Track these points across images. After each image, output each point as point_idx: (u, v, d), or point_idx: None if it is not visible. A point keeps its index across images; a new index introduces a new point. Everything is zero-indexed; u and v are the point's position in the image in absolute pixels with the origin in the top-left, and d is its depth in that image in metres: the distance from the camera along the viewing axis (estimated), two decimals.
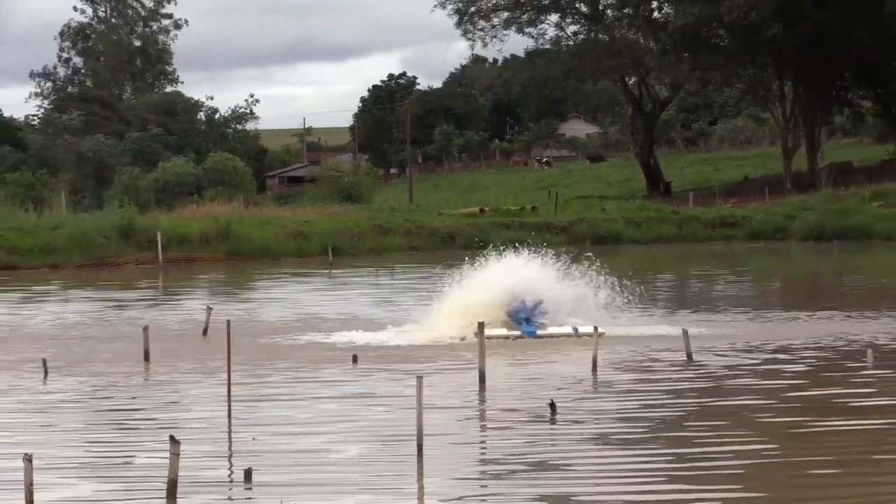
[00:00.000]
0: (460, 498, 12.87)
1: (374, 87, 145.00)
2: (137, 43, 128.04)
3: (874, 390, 18.87)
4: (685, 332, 22.62)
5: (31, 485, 10.97)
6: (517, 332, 25.60)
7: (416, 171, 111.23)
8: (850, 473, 13.64)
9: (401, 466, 14.06)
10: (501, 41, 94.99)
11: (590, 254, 28.99)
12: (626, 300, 27.87)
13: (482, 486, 13.56)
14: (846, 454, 14.57)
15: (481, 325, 20.62)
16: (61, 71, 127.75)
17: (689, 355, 21.90)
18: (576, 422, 16.75)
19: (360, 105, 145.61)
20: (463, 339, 24.57)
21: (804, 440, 15.56)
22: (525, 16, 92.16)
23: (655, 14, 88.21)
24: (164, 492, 12.37)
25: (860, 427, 16.08)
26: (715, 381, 20.04)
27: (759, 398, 18.43)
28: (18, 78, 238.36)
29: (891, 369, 20.79)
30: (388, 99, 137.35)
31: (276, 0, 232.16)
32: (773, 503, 12.62)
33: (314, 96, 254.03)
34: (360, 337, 26.05)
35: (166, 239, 53.50)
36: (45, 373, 21.42)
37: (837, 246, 58.65)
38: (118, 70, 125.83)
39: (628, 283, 28.15)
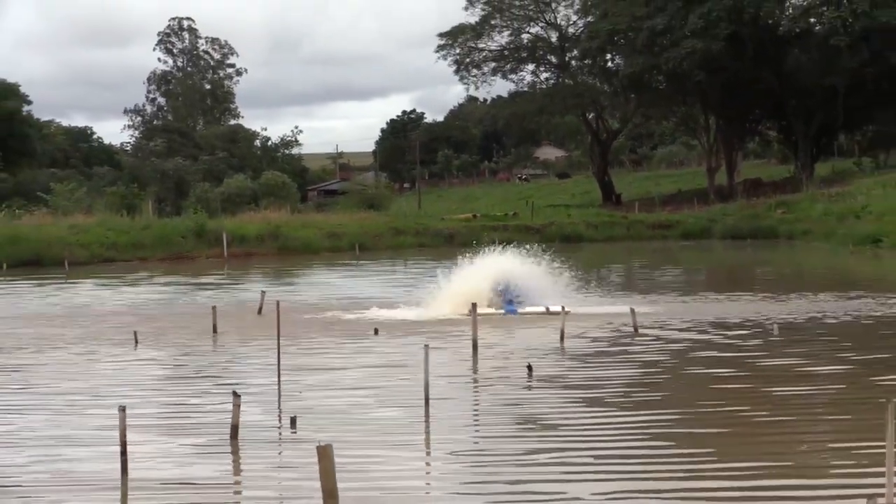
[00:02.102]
0: (459, 448, 12.85)
1: (392, 120, 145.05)
2: (208, 86, 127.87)
3: (775, 353, 18.93)
4: (632, 311, 22.62)
5: (125, 430, 10.99)
6: (502, 311, 25.65)
7: (424, 185, 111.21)
8: (762, 410, 13.71)
9: (411, 416, 14.05)
10: (490, 85, 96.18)
11: (556, 251, 29.03)
12: (586, 285, 27.96)
13: (475, 433, 13.58)
14: (754, 399, 14.61)
15: (474, 305, 20.64)
16: (148, 108, 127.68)
17: (635, 328, 21.93)
18: (547, 380, 16.77)
19: (381, 134, 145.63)
20: (464, 314, 24.67)
21: (725, 391, 15.58)
22: (508, 65, 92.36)
23: (609, 64, 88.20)
24: (229, 433, 12.49)
25: (766, 374, 16.18)
26: (656, 347, 20.06)
27: (691, 359, 18.47)
28: (116, 113, 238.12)
29: (790, 338, 20.84)
30: (402, 130, 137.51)
31: (316, 53, 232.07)
32: (696, 422, 12.66)
33: (345, 128, 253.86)
34: (380, 314, 26.05)
35: (230, 238, 53.52)
36: (136, 342, 21.49)
37: (750, 244, 58.61)
38: (192, 107, 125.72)
39: (588, 273, 28.18)
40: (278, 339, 16.23)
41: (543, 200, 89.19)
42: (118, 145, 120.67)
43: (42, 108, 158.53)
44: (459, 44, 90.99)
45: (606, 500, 10.12)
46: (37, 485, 10.65)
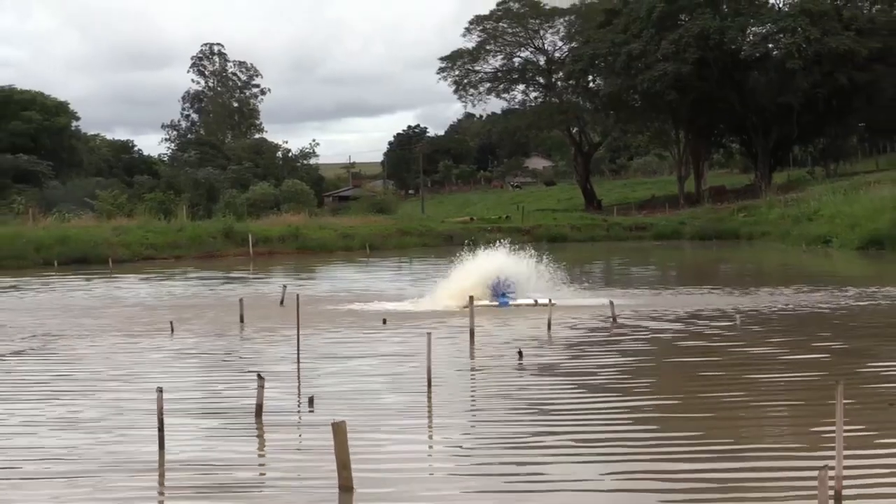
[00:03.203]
0: (457, 427, 12.82)
1: (398, 134, 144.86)
2: (235, 104, 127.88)
3: (739, 336, 18.91)
4: (611, 303, 22.61)
5: (162, 409, 10.97)
6: (496, 303, 25.63)
7: (427, 192, 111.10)
8: (722, 387, 13.69)
9: (415, 398, 14.03)
10: (485, 103, 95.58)
11: (544, 250, 29.01)
12: (570, 280, 27.92)
13: (472, 415, 13.55)
14: (722, 383, 14.60)
15: (471, 298, 20.64)
16: (183, 123, 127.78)
17: (614, 318, 21.89)
18: (536, 365, 16.74)
19: (389, 146, 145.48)
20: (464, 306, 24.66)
21: (695, 376, 15.56)
22: (501, 86, 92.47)
23: (590, 84, 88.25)
24: (254, 411, 12.45)
25: (732, 360, 16.15)
26: (633, 335, 20.04)
27: (663, 345, 18.46)
28: (154, 128, 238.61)
29: (750, 326, 20.83)
30: (407, 142, 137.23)
31: (331, 74, 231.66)
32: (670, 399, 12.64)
33: (357, 141, 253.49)
34: (387, 305, 26.06)
35: (255, 238, 53.53)
36: (172, 330, 21.44)
37: (715, 244, 58.65)
38: (222, 123, 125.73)
39: (572, 269, 28.14)
40: (298, 328, 16.19)
41: (532, 205, 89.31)
42: (156, 156, 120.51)
43: (89, 124, 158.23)
44: (458, 66, 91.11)
45: (590, 478, 10.07)
46: (82, 465, 10.49)
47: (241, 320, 22.85)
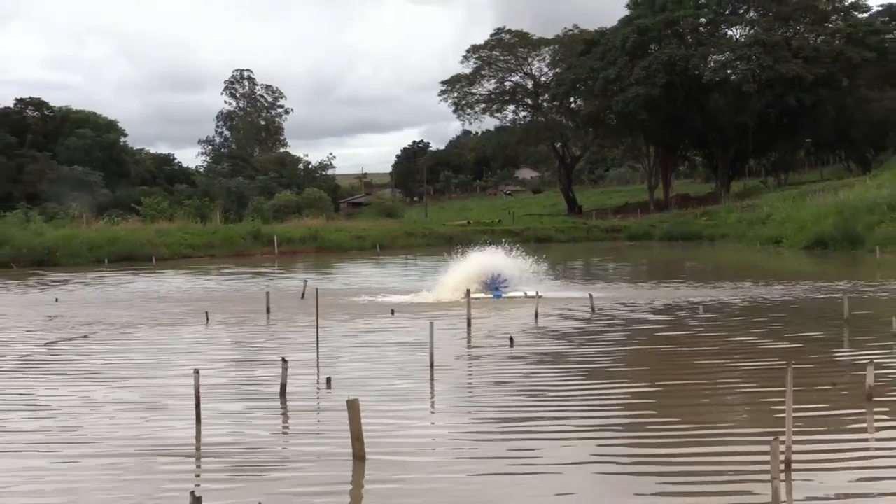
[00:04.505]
0: (456, 404, 12.80)
1: (405, 148, 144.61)
2: (262, 122, 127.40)
3: (702, 327, 18.90)
4: (591, 295, 22.62)
5: (199, 389, 10.96)
6: (490, 295, 25.63)
7: (429, 198, 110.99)
8: (694, 370, 13.67)
9: (419, 377, 14.00)
10: (480, 121, 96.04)
11: (531, 250, 28.99)
12: (554, 275, 27.92)
13: (469, 389, 13.53)
14: (688, 361, 14.58)
15: (468, 291, 20.64)
16: (217, 139, 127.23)
17: (593, 309, 21.89)
18: (526, 349, 16.72)
19: (396, 159, 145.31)
20: (462, 297, 24.63)
21: (664, 360, 15.55)
22: (494, 106, 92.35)
23: (572, 105, 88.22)
24: (279, 391, 12.43)
25: (695, 349, 16.12)
26: (610, 324, 20.04)
27: (636, 333, 18.44)
28: (192, 143, 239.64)
29: (713, 317, 20.80)
30: (412, 155, 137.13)
31: (346, 96, 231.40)
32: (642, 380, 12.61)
33: (369, 154, 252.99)
34: (395, 298, 26.06)
35: (279, 239, 53.47)
36: (207, 320, 21.42)
37: (681, 244, 58.59)
38: (251, 139, 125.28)
39: (556, 266, 28.10)
40: (317, 318, 16.18)
41: (522, 210, 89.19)
42: (193, 168, 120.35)
43: (135, 139, 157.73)
44: (457, 89, 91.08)
45: (573, 457, 10.03)
46: (122, 445, 10.32)
47: (268, 311, 22.84)
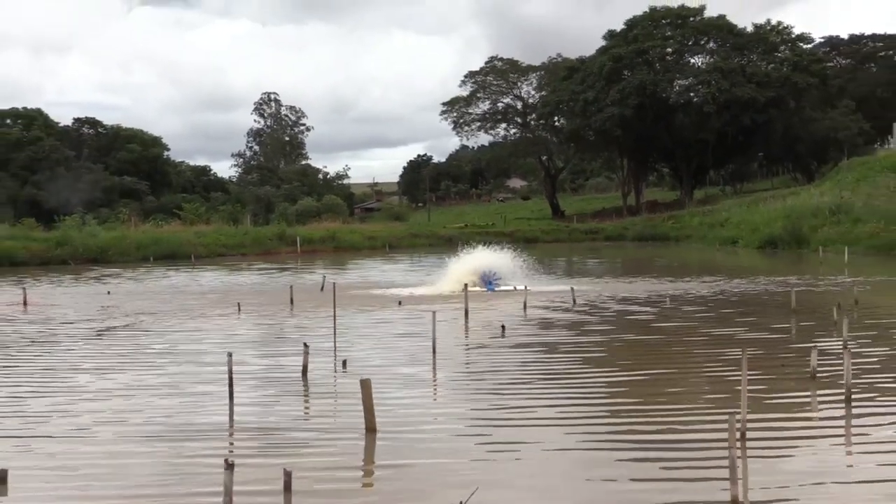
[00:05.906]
0: (456, 384, 12.75)
1: (411, 161, 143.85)
2: (287, 138, 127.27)
3: (669, 315, 18.80)
4: (572, 289, 22.58)
5: (231, 371, 10.94)
6: (485, 289, 25.60)
7: (432, 204, 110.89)
8: (669, 356, 13.61)
9: (423, 359, 13.96)
10: (476, 137, 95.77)
11: (520, 249, 28.92)
12: (540, 271, 27.86)
13: (466, 370, 13.50)
14: (656, 348, 14.52)
15: (466, 285, 20.59)
16: (247, 153, 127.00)
17: (574, 301, 21.85)
18: (515, 338, 16.68)
19: (403, 170, 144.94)
20: (462, 288, 24.57)
21: (635, 347, 15.50)
22: (488, 124, 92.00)
23: (556, 123, 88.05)
24: (301, 372, 12.40)
25: (664, 337, 16.06)
26: (588, 313, 19.99)
27: (612, 322, 18.38)
28: (225, 156, 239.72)
29: (677, 307, 20.74)
30: (417, 167, 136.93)
31: (361, 115, 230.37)
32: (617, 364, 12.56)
33: (380, 166, 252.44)
34: (402, 291, 25.99)
35: (301, 240, 53.41)
36: (239, 310, 21.40)
37: (650, 244, 58.50)
38: (277, 153, 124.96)
39: (542, 263, 28.03)
40: (334, 309, 16.15)
41: (512, 215, 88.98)
42: (227, 178, 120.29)
43: (176, 153, 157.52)
44: (455, 109, 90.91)
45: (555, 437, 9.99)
46: (156, 428, 10.05)
47: (292, 303, 22.81)
